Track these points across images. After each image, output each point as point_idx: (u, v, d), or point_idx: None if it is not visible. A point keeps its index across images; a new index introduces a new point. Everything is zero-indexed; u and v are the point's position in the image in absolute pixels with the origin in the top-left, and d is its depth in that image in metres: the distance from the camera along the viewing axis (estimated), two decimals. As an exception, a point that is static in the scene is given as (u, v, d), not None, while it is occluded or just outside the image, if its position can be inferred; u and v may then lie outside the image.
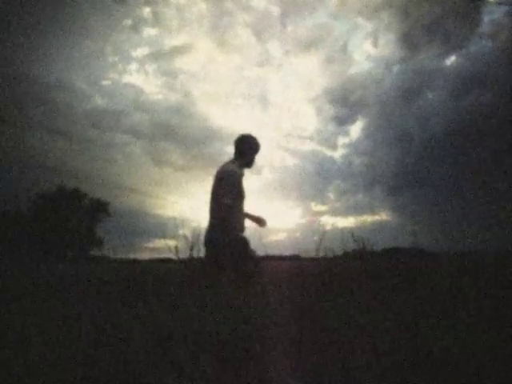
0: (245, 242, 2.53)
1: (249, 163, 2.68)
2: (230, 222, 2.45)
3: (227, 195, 2.41)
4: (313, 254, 4.76)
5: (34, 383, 1.17)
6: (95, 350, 1.40)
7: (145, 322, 1.85)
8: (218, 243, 2.43)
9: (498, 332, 1.38)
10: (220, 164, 2.74)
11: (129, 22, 58.84)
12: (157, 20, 57.28)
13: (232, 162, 2.64)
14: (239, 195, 2.49)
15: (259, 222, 2.70)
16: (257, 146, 2.67)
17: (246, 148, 2.67)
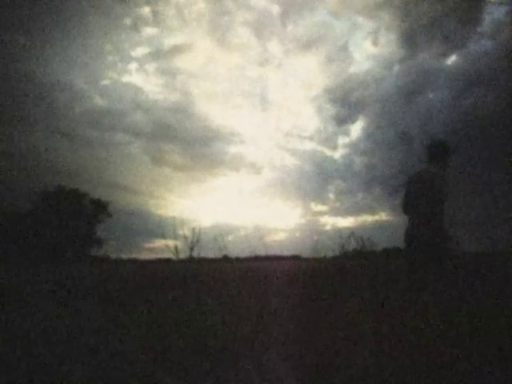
0: (451, 243, 2.67)
1: (447, 166, 2.81)
2: (444, 225, 2.61)
3: (442, 200, 2.59)
4: (313, 254, 4.77)
5: (36, 383, 1.17)
6: (96, 350, 1.40)
7: (145, 323, 1.85)
8: (433, 244, 2.57)
9: (499, 333, 1.38)
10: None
11: (128, 21, 58.61)
12: (156, 19, 57.26)
13: (434, 166, 2.75)
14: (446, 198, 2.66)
15: None
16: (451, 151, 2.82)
17: (448, 153, 2.79)
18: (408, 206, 2.85)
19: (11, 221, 30.41)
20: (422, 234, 2.65)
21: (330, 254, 4.51)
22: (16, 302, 2.72)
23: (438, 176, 2.68)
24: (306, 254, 5.81)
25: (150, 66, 62.11)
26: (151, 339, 1.52)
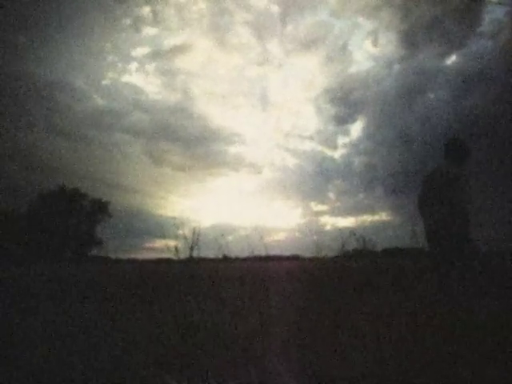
0: (478, 250, 2.61)
1: (465, 165, 2.75)
2: (470, 227, 2.54)
3: (467, 200, 2.52)
4: (313, 254, 4.77)
5: (37, 383, 1.17)
6: (96, 350, 1.39)
7: (145, 323, 1.85)
8: (456, 247, 2.51)
9: (500, 334, 1.38)
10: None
11: (128, 21, 58.60)
12: (156, 19, 57.22)
13: (451, 165, 2.68)
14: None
15: None
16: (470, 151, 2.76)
17: (466, 152, 2.74)
18: (424, 206, 2.76)
19: (11, 221, 30.37)
20: (442, 235, 2.58)
21: (330, 254, 4.50)
22: (16, 302, 2.71)
23: (459, 175, 2.61)
24: (306, 254, 5.81)
25: (150, 66, 62.16)
26: (151, 339, 1.52)
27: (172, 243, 3.66)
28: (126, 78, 60.83)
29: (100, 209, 36.93)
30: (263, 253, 4.46)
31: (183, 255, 3.73)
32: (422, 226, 2.79)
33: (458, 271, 2.46)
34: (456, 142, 2.79)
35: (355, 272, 3.53)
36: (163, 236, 3.88)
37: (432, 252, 2.68)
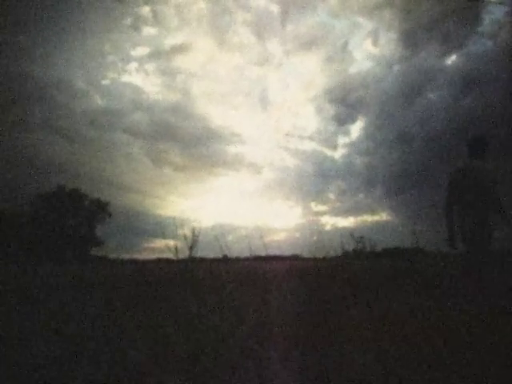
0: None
1: (488, 160, 2.79)
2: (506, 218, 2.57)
3: (498, 193, 2.55)
4: (313, 254, 4.77)
5: (37, 383, 1.17)
6: (96, 350, 1.39)
7: (145, 323, 1.84)
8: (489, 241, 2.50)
9: (499, 332, 1.38)
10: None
11: (128, 21, 58.57)
12: (156, 19, 57.20)
13: (478, 161, 2.71)
14: None
15: None
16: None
17: (489, 146, 2.79)
18: (450, 206, 2.73)
19: (11, 221, 30.37)
20: (481, 232, 2.55)
21: (330, 254, 4.50)
22: (16, 302, 2.71)
23: (490, 169, 2.63)
24: (306, 254, 5.82)
25: (150, 66, 62.15)
26: (151, 340, 1.51)
27: (172, 243, 3.66)
28: (125, 78, 60.80)
29: (100, 209, 36.93)
30: (263, 253, 4.46)
31: (183, 255, 3.73)
32: (445, 228, 2.74)
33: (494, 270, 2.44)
34: (480, 137, 2.83)
35: (355, 273, 3.53)
36: (163, 236, 3.88)
37: (472, 252, 2.63)
